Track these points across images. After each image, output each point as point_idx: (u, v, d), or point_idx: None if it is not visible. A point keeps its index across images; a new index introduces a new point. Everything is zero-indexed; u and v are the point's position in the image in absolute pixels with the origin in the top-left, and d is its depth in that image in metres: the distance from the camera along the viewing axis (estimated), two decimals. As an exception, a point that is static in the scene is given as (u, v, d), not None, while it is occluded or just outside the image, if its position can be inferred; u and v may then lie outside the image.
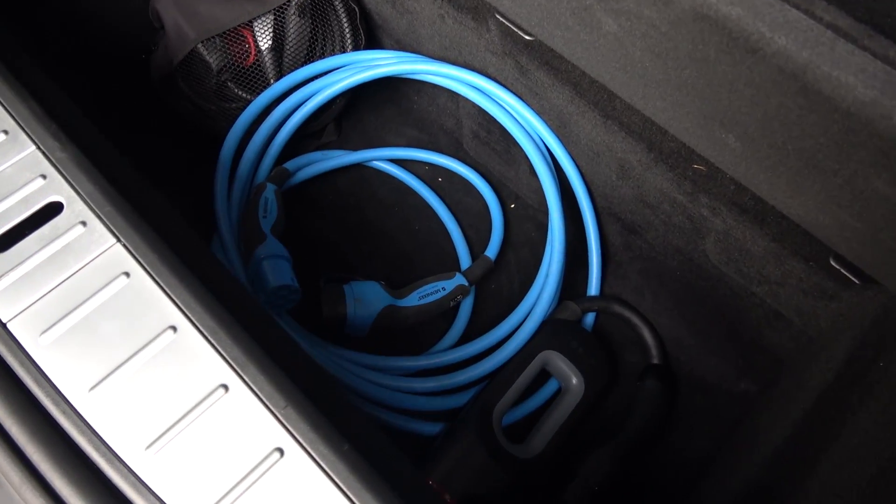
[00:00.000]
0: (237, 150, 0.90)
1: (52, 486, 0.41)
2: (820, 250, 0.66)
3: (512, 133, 0.89)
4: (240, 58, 0.92)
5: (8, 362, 0.44)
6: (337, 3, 0.94)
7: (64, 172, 0.51)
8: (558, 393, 0.85)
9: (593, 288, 0.92)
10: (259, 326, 0.48)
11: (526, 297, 0.90)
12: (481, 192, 1.01)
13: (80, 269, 0.48)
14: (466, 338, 0.88)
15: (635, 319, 0.89)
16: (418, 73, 0.93)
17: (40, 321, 0.46)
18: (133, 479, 0.42)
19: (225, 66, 0.92)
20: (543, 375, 0.86)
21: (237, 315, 0.47)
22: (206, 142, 0.93)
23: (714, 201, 0.72)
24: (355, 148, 1.05)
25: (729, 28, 0.48)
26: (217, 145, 0.89)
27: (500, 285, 0.96)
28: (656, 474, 0.83)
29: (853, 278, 0.65)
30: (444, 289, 0.87)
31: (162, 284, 0.47)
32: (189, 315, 0.46)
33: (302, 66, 0.94)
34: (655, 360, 0.87)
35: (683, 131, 0.63)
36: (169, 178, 0.79)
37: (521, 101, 0.88)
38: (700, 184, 0.72)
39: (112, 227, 0.49)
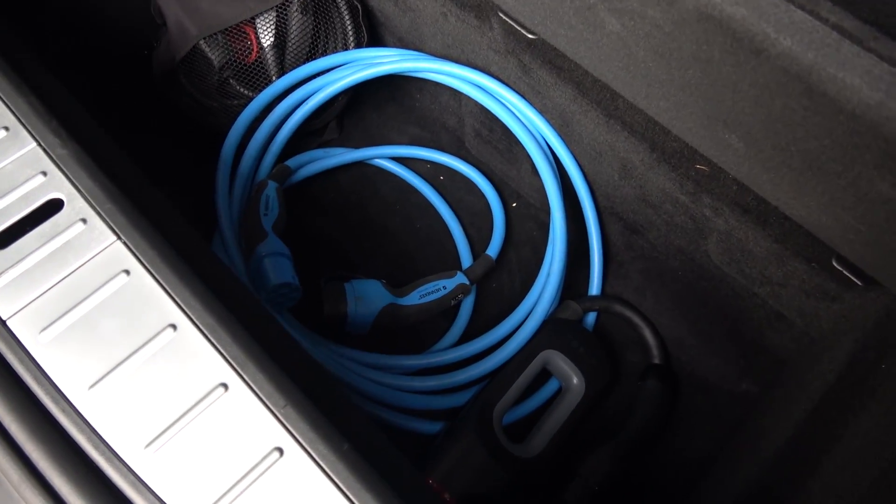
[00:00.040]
0: (239, 147, 0.90)
1: (52, 484, 0.41)
2: (822, 251, 0.66)
3: (514, 132, 0.89)
4: (242, 55, 0.92)
5: (7, 360, 0.44)
6: (339, 0, 0.94)
7: (64, 169, 0.51)
8: (559, 392, 0.85)
9: (594, 287, 0.92)
10: (259, 325, 0.48)
11: (527, 297, 0.89)
12: (483, 191, 1.01)
13: (80, 267, 0.47)
14: (467, 337, 0.88)
15: (636, 319, 0.89)
16: (421, 71, 0.93)
17: (40, 318, 0.46)
18: (132, 477, 0.42)
19: (227, 62, 0.91)
20: (544, 375, 0.86)
21: (237, 313, 0.47)
22: (207, 141, 0.93)
23: (716, 201, 0.72)
24: (357, 146, 1.05)
25: (733, 29, 0.47)
26: (219, 142, 0.89)
27: (502, 284, 0.96)
28: (657, 474, 0.83)
29: (856, 280, 0.64)
30: (445, 287, 0.87)
31: (162, 282, 0.47)
32: (189, 313, 0.46)
33: (304, 63, 0.94)
34: (656, 360, 0.87)
35: (686, 131, 0.63)
36: (170, 176, 0.79)
37: (523, 100, 0.88)
38: (702, 184, 0.72)
39: (112, 225, 0.49)
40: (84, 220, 0.49)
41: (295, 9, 0.91)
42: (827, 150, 0.49)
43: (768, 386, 0.84)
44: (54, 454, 0.42)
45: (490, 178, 1.02)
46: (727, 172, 0.67)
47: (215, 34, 0.89)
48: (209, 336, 0.45)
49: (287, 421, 0.43)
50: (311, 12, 0.92)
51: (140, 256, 0.48)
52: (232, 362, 0.45)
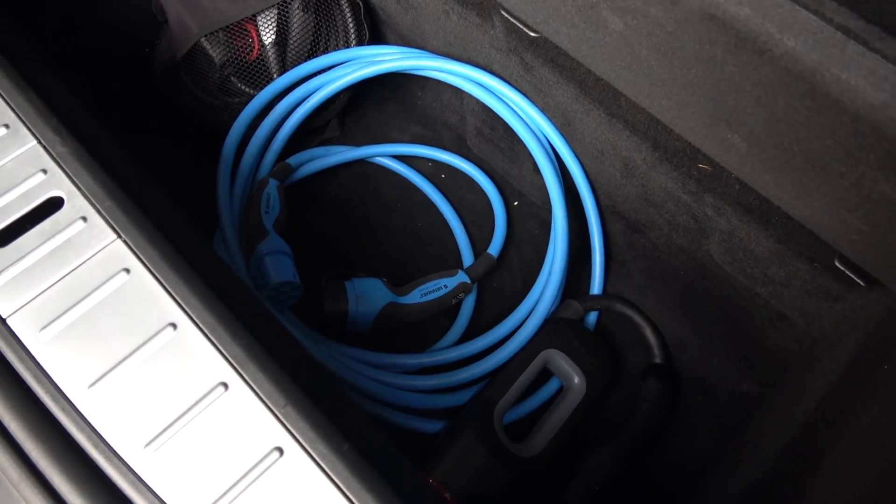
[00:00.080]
0: (240, 144, 0.90)
1: (51, 482, 0.41)
2: (825, 252, 0.66)
3: (516, 130, 0.89)
4: (243, 52, 0.92)
5: (7, 358, 0.44)
6: (341, -3, 0.94)
7: (64, 167, 0.51)
8: (560, 392, 0.85)
9: (596, 287, 0.91)
10: (259, 324, 0.48)
11: (528, 296, 0.89)
12: (484, 190, 1.01)
13: (80, 265, 0.47)
14: (468, 336, 0.88)
15: (638, 319, 0.88)
16: (422, 70, 0.92)
17: (40, 317, 0.46)
18: (132, 476, 0.42)
19: (228, 60, 0.91)
20: (545, 374, 0.85)
21: (237, 312, 0.47)
22: (208, 139, 0.93)
23: (719, 201, 0.72)
24: (358, 144, 1.05)
25: (737, 28, 0.47)
26: (219, 140, 0.89)
27: (503, 283, 0.96)
28: (657, 474, 0.83)
29: (858, 280, 0.64)
30: (446, 286, 0.87)
31: (162, 281, 0.47)
32: (189, 312, 0.46)
33: (305, 61, 0.94)
34: (658, 360, 0.87)
35: (689, 130, 0.63)
36: (170, 175, 0.79)
37: (525, 99, 0.87)
38: (705, 183, 0.72)
39: (112, 223, 0.49)
40: (84, 219, 0.49)
41: (296, 6, 0.90)
42: (830, 151, 0.49)
43: (770, 386, 0.84)
44: (54, 453, 0.42)
45: (492, 177, 1.02)
46: (729, 172, 0.66)
47: (216, 31, 0.89)
48: (209, 335, 0.45)
49: (287, 420, 0.43)
50: (312, 10, 0.92)
51: (140, 255, 0.48)
52: (232, 361, 0.44)
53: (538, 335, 0.84)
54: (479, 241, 0.99)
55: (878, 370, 0.59)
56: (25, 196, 0.50)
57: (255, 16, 0.90)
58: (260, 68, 0.93)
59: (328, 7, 0.94)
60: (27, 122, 0.52)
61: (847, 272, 0.64)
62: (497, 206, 0.98)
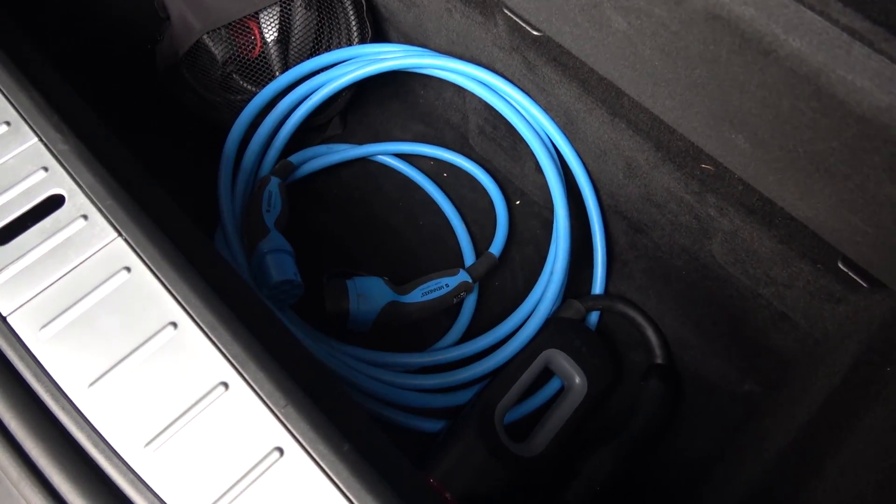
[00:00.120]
0: (241, 142, 0.89)
1: (51, 481, 0.41)
2: (828, 253, 0.66)
3: (518, 129, 0.89)
4: (245, 49, 0.92)
5: (7, 356, 0.44)
6: (344, -5, 0.93)
7: (66, 165, 0.51)
8: (561, 392, 0.84)
9: (598, 286, 0.91)
10: (260, 323, 0.48)
11: (530, 295, 0.89)
12: (486, 189, 1.01)
13: (80, 264, 0.47)
14: (469, 335, 0.88)
15: (639, 319, 0.88)
16: (425, 68, 0.92)
17: (40, 315, 0.46)
18: (132, 476, 0.41)
19: (230, 57, 0.91)
20: (546, 374, 0.85)
21: (238, 312, 0.47)
22: (209, 138, 0.92)
23: (721, 201, 0.72)
24: (360, 142, 1.04)
25: (742, 29, 0.47)
26: (221, 137, 0.88)
27: (504, 282, 0.96)
28: (658, 474, 0.83)
29: (861, 282, 0.64)
30: (447, 285, 0.87)
31: (162, 280, 0.47)
32: (190, 311, 0.46)
33: (308, 58, 0.93)
34: (659, 360, 0.86)
35: (692, 130, 0.63)
36: (171, 174, 0.79)
37: (527, 98, 0.87)
38: (708, 183, 0.72)
39: (113, 221, 0.49)
40: (85, 217, 0.49)
41: (299, 4, 0.90)
42: (835, 153, 0.49)
43: (771, 387, 0.84)
44: (54, 452, 0.41)
45: (494, 176, 1.01)
46: (733, 172, 0.66)
47: (219, 29, 0.89)
48: (210, 334, 0.45)
49: (287, 421, 0.43)
50: (314, 7, 0.92)
51: (141, 253, 0.47)
52: (233, 361, 0.44)
53: (539, 335, 0.84)
54: (481, 240, 0.99)
55: (881, 372, 0.59)
56: (26, 194, 0.50)
57: (257, 13, 0.90)
58: (262, 66, 0.92)
59: (330, 5, 0.93)
60: (28, 120, 0.52)
61: (850, 274, 0.64)
62: (499, 205, 0.98)
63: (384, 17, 1.00)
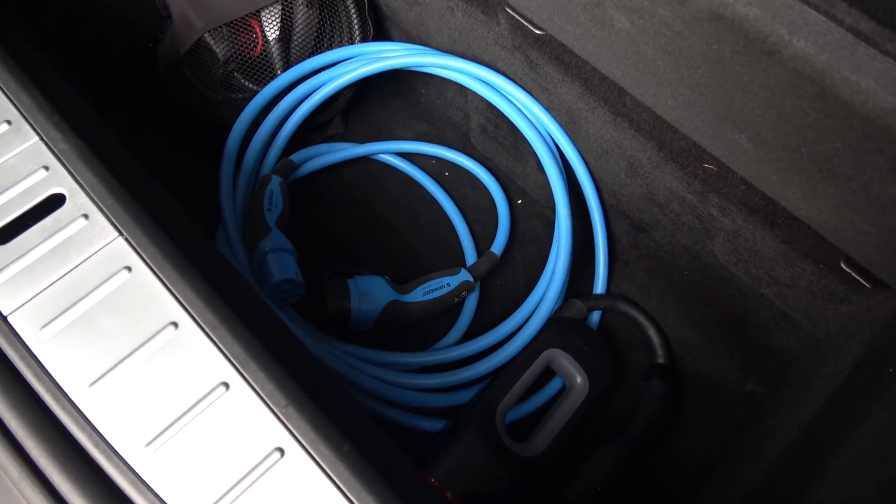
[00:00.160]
0: (243, 141, 0.89)
1: (51, 481, 0.41)
2: (831, 253, 0.65)
3: (520, 128, 0.88)
4: (247, 48, 0.92)
5: (8, 356, 0.44)
6: (345, -7, 0.93)
7: (66, 164, 0.50)
8: (562, 391, 0.84)
9: (599, 286, 0.91)
10: (261, 323, 0.48)
11: (531, 295, 0.89)
12: (488, 188, 1.00)
13: (81, 263, 0.47)
14: (471, 334, 0.88)
15: (641, 318, 0.88)
16: (426, 66, 0.92)
17: (41, 315, 0.46)
18: (132, 476, 0.41)
19: (232, 56, 0.91)
20: (548, 373, 0.85)
21: (239, 311, 0.47)
22: (210, 136, 0.92)
23: (724, 201, 0.72)
24: (362, 141, 1.04)
25: (746, 29, 0.47)
26: (222, 136, 0.88)
27: (506, 282, 0.96)
28: (660, 474, 0.83)
29: (864, 282, 0.64)
30: (448, 285, 0.86)
31: (163, 279, 0.47)
32: (190, 311, 0.46)
33: (309, 57, 0.93)
34: (661, 360, 0.86)
35: (694, 130, 0.62)
36: (172, 173, 0.79)
37: (529, 97, 0.87)
38: (710, 183, 0.72)
39: (114, 221, 0.48)
40: (86, 216, 0.49)
41: (300, 2, 0.90)
42: (838, 153, 0.49)
43: (773, 387, 0.84)
44: (54, 452, 0.41)
45: (495, 175, 1.01)
46: (735, 172, 0.66)
47: (220, 27, 0.89)
48: (210, 334, 0.45)
49: (288, 421, 0.43)
50: (316, 6, 0.92)
51: (142, 253, 0.47)
52: (233, 361, 0.44)
53: (541, 334, 0.84)
54: (483, 239, 0.98)
55: (884, 373, 0.59)
56: (27, 193, 0.50)
57: (258, 11, 0.90)
58: (263, 64, 0.92)
59: (332, 3, 0.93)
60: (29, 119, 0.52)
61: (853, 274, 0.64)
62: (500, 205, 0.98)
63: (386, 15, 1.00)
